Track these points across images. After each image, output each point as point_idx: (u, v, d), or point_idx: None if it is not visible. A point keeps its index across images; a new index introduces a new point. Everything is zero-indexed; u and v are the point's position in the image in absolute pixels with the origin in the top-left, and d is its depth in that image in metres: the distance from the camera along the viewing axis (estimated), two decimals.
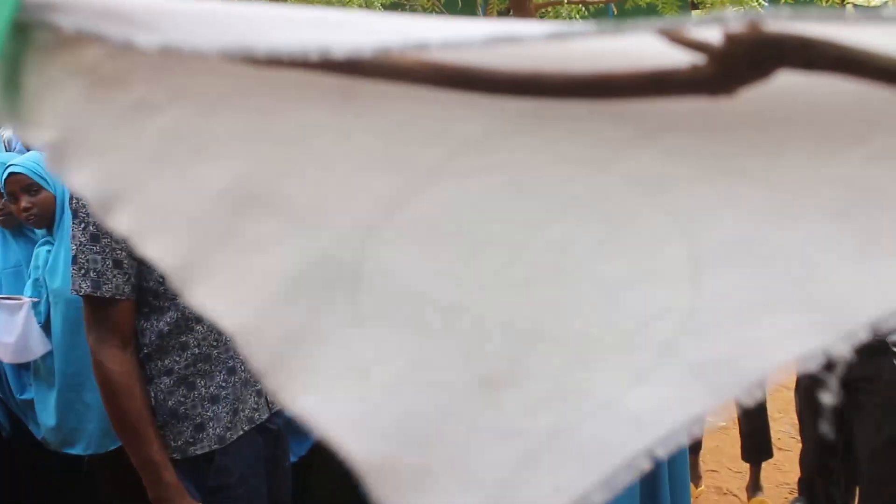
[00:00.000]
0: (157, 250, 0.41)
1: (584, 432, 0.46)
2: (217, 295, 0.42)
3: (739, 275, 0.44)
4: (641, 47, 0.41)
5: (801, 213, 0.44)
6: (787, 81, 0.40)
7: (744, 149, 0.43)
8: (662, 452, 0.46)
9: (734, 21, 0.39)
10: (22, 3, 0.38)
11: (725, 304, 0.45)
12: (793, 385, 2.42)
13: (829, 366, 0.44)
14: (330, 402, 0.46)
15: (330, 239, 0.43)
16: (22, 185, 1.84)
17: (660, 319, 0.45)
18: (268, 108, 0.40)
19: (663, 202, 0.43)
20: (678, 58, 0.41)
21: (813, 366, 0.44)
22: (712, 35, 0.40)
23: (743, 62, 0.40)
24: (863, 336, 0.44)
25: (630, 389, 0.46)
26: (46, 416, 1.92)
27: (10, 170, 1.83)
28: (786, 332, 0.45)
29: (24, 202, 1.85)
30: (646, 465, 0.46)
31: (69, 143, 0.40)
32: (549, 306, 0.45)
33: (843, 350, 0.44)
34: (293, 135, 0.41)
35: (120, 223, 0.41)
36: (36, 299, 1.88)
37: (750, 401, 0.47)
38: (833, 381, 0.44)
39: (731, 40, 0.39)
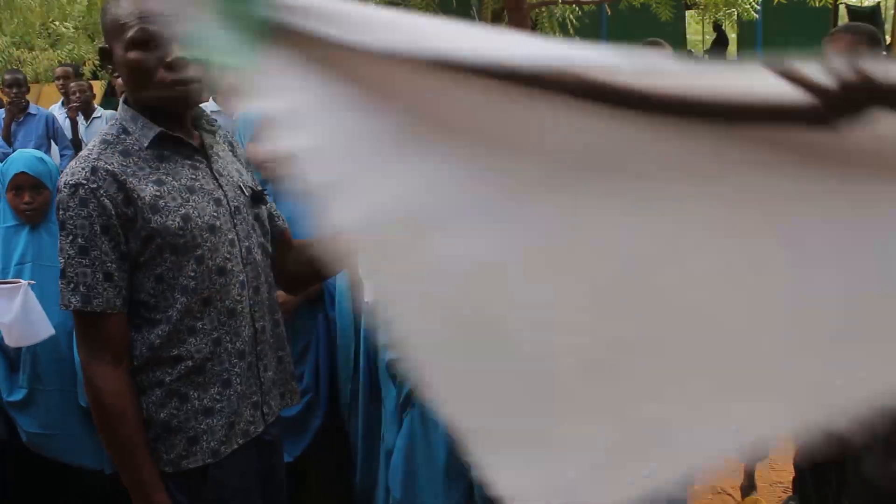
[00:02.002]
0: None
1: (682, 432, 0.54)
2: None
3: (840, 303, 0.51)
4: (752, 79, 0.49)
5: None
6: (889, 121, 0.48)
7: (846, 178, 0.50)
8: (742, 458, 0.55)
9: (844, 65, 0.46)
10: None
11: (824, 331, 0.51)
12: None
13: None
14: (439, 371, 0.55)
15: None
16: (30, 182, 1.92)
17: (763, 343, 0.52)
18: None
19: (777, 228, 0.51)
20: (787, 92, 0.48)
21: None
22: (822, 76, 0.47)
23: (850, 103, 0.47)
24: None
25: (730, 403, 0.53)
26: None
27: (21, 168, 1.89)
28: (880, 361, 0.51)
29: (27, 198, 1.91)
30: (722, 465, 0.54)
31: (291, 114, 0.51)
32: (668, 326, 0.53)
33: None
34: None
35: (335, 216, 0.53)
36: (33, 282, 1.86)
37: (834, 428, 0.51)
38: None
39: (842, 83, 0.47)
